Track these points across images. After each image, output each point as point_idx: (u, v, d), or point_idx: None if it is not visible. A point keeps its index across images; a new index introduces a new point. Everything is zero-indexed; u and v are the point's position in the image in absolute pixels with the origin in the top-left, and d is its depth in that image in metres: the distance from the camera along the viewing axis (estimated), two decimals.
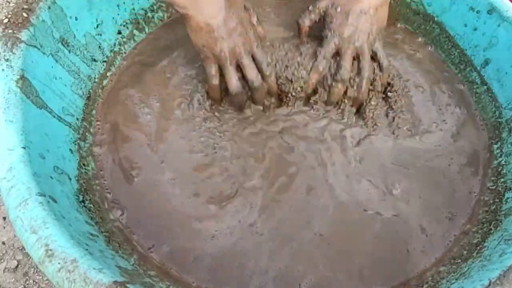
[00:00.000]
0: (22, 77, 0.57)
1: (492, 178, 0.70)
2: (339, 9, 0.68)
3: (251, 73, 0.67)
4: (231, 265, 0.61)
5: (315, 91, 0.73)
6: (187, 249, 0.62)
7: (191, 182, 0.67)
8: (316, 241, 0.63)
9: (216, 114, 0.73)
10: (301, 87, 0.71)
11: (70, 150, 0.65)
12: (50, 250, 0.44)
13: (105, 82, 0.77)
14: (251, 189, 0.67)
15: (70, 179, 0.61)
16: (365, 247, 0.63)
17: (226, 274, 0.60)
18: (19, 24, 0.60)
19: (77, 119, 0.69)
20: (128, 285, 0.44)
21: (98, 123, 0.72)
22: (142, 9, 0.82)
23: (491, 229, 0.62)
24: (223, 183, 0.67)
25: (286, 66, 0.71)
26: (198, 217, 0.64)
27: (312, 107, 0.74)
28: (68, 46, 0.69)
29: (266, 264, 0.61)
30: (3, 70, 0.56)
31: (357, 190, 0.67)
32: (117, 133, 0.71)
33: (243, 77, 0.69)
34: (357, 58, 0.70)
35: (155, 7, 0.84)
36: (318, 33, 0.74)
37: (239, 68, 0.68)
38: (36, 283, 0.73)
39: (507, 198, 0.65)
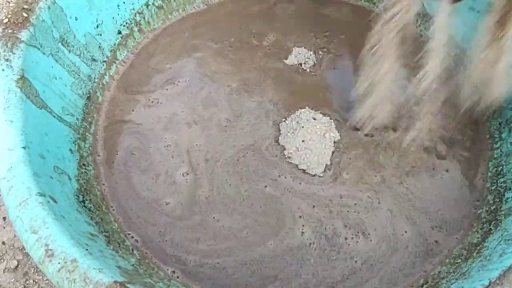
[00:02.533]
0: (22, 77, 0.57)
1: (492, 178, 0.70)
2: None
3: None
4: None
5: None
6: (185, 251, 0.62)
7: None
8: None
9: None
10: None
11: (70, 150, 0.65)
12: (50, 250, 0.44)
13: (105, 81, 0.77)
14: None
15: (70, 179, 0.61)
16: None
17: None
18: (19, 24, 0.60)
19: (77, 119, 0.69)
20: (128, 285, 0.44)
21: (98, 122, 0.72)
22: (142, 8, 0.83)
23: (491, 229, 0.62)
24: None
25: None
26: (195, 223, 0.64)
27: None
28: (68, 46, 0.69)
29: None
30: (3, 70, 0.56)
31: None
32: (118, 133, 0.71)
33: None
34: None
35: (154, 7, 0.84)
36: None
37: None
38: (36, 283, 0.73)
39: (507, 198, 0.65)
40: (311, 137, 0.70)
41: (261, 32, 0.85)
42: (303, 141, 0.70)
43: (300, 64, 0.81)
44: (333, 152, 0.70)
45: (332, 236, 0.64)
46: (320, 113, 0.74)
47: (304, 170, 0.68)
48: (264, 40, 0.84)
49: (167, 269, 0.60)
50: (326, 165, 0.69)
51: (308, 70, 0.81)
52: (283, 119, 0.73)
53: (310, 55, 0.82)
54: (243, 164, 0.69)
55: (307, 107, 0.74)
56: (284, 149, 0.70)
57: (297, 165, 0.69)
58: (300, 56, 0.82)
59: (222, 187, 0.67)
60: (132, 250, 0.61)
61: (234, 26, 0.86)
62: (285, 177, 0.68)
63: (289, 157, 0.69)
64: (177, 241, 0.63)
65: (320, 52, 0.83)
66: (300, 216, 0.65)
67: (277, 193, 0.67)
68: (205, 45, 0.83)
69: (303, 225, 0.64)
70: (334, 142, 0.71)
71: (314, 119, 0.72)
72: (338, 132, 0.72)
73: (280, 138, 0.71)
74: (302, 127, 0.71)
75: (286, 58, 0.82)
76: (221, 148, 0.71)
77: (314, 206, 0.66)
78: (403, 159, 0.71)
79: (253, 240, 0.63)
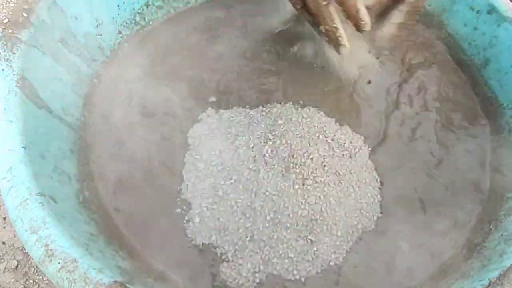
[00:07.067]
0: (22, 77, 0.57)
1: (492, 178, 0.70)
2: None
3: None
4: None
5: None
6: (185, 253, 0.62)
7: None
8: None
9: None
10: None
11: (70, 150, 0.65)
12: (50, 250, 0.45)
13: (104, 80, 0.77)
14: None
15: (70, 179, 0.61)
16: None
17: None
18: (19, 24, 0.60)
19: (77, 119, 0.69)
20: (128, 285, 0.44)
21: (98, 122, 0.72)
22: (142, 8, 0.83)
23: (491, 229, 0.62)
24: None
25: None
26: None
27: None
28: (68, 46, 0.69)
29: None
30: (3, 70, 0.56)
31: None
32: (118, 133, 0.71)
33: None
34: None
35: (154, 7, 0.84)
36: None
37: None
38: (36, 283, 0.73)
39: (507, 198, 0.65)
40: None
41: None
42: None
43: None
44: None
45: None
46: None
47: None
48: None
49: (164, 271, 0.60)
50: None
51: None
52: None
53: None
54: None
55: None
56: None
57: None
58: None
59: None
60: (131, 250, 0.61)
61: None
62: None
63: None
64: None
65: None
66: None
67: None
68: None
69: None
70: None
71: None
72: None
73: None
74: None
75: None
76: None
77: None
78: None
79: None
